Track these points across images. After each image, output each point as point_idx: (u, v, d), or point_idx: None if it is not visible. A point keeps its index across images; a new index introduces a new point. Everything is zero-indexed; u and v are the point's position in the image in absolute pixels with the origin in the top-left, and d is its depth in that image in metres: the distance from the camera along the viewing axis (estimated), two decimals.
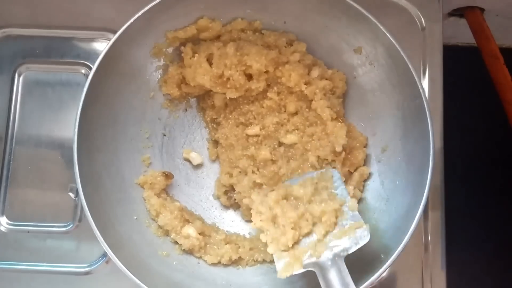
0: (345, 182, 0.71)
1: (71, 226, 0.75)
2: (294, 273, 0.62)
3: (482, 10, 0.94)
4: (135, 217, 0.68)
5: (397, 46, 0.63)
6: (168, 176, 0.73)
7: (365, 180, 0.72)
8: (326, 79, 0.73)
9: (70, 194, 0.75)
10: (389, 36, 0.64)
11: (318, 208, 0.64)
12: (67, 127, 0.77)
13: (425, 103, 0.62)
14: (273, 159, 0.73)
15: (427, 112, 0.62)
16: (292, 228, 0.64)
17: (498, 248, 1.22)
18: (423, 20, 0.82)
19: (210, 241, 0.70)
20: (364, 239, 0.62)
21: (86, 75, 0.78)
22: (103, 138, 0.68)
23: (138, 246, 0.66)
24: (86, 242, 0.75)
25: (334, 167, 0.71)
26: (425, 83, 0.80)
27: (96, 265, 0.74)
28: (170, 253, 0.68)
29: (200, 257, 0.69)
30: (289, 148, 0.74)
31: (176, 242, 0.69)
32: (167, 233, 0.69)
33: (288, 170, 0.72)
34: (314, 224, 0.65)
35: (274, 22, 0.73)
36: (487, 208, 1.23)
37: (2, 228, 0.75)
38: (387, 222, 0.67)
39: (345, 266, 0.60)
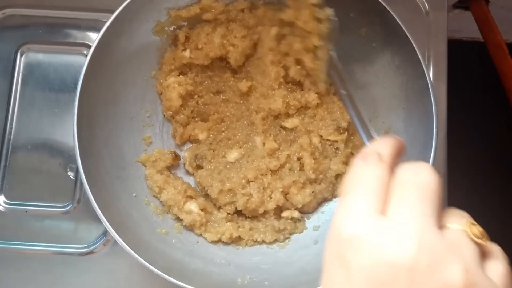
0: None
1: (70, 206, 0.75)
2: None
3: (487, 1, 0.94)
4: (135, 195, 0.68)
5: (401, 25, 0.62)
6: (177, 157, 0.73)
7: None
8: None
9: (70, 174, 0.75)
10: (393, 15, 0.63)
11: None
12: (68, 107, 0.77)
13: (428, 82, 0.61)
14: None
15: (430, 91, 0.61)
16: None
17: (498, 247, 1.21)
18: (428, 7, 0.81)
19: (212, 218, 0.69)
20: None
21: None
22: (104, 115, 0.67)
23: (137, 223, 0.65)
24: (85, 223, 0.74)
25: (337, 148, 0.71)
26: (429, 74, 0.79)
27: (94, 246, 0.73)
28: (169, 231, 0.67)
29: (200, 235, 0.68)
30: (291, 132, 0.73)
31: (176, 219, 0.69)
32: (167, 210, 0.69)
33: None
34: None
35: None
36: (489, 205, 1.22)
37: (1, 208, 0.75)
38: None
39: None
